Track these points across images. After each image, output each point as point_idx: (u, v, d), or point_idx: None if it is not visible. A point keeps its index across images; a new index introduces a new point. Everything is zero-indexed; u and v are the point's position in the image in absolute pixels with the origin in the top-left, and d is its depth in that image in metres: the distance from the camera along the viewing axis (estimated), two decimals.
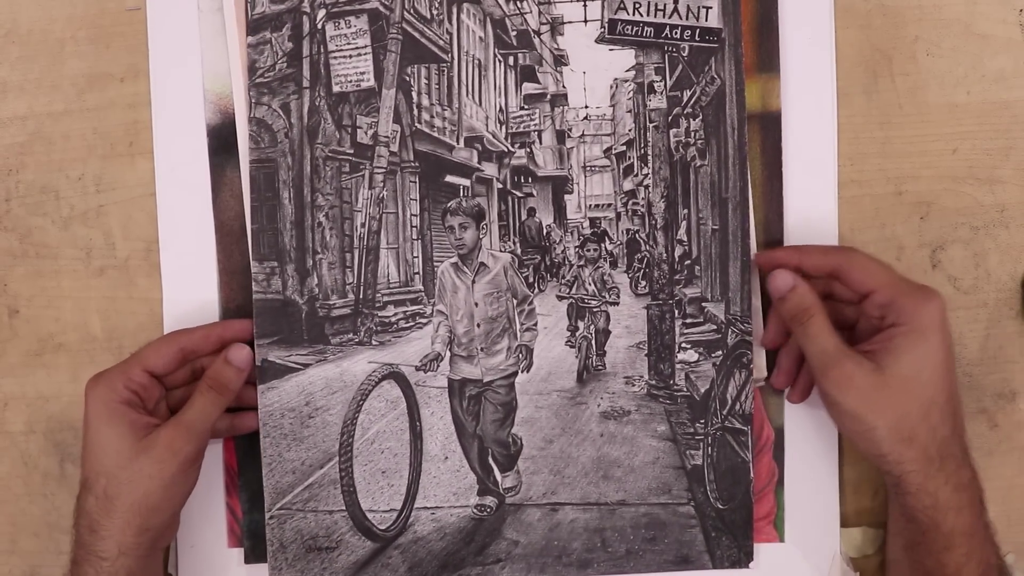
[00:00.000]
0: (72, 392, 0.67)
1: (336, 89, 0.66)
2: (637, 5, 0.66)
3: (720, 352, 0.66)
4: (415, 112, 0.68)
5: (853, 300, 0.61)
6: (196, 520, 0.65)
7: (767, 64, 0.66)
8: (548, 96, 0.70)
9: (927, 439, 0.56)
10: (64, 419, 0.68)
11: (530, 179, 0.72)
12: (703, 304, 0.67)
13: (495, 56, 0.71)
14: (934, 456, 0.56)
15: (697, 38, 0.66)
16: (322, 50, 0.66)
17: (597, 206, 0.71)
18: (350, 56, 0.66)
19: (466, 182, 0.70)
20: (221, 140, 0.66)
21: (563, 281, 0.71)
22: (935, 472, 0.56)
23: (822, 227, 0.66)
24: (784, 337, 0.64)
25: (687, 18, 0.66)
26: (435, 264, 0.69)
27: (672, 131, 0.67)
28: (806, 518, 0.67)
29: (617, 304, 0.70)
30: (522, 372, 0.68)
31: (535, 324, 0.69)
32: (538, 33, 0.68)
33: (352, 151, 0.67)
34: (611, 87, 0.67)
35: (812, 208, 0.66)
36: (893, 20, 0.67)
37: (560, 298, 0.71)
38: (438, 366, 0.67)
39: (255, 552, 0.66)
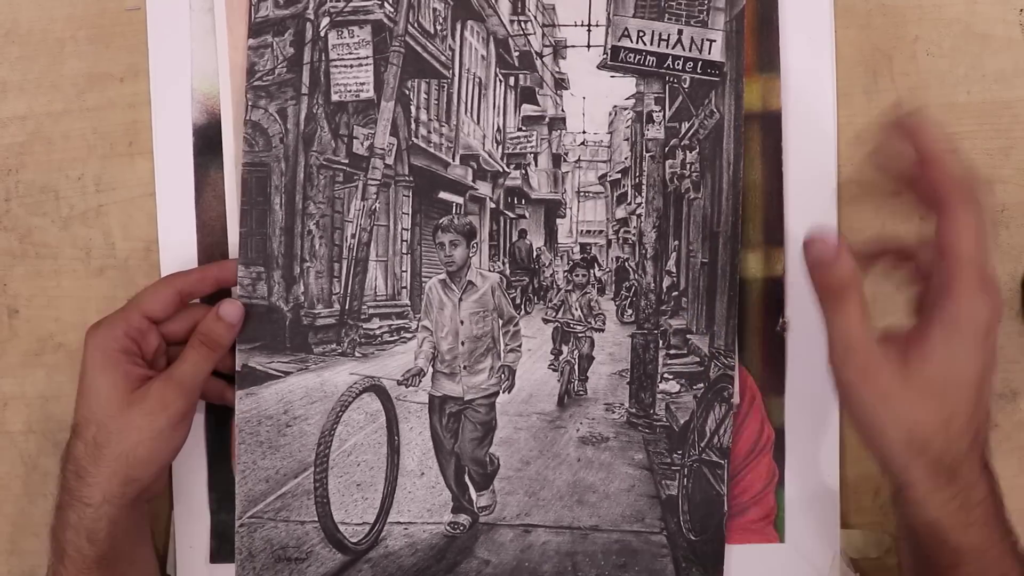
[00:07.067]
0: (72, 392, 0.67)
1: (335, 98, 0.66)
2: (641, 34, 0.66)
3: (702, 384, 0.66)
4: (412, 126, 0.67)
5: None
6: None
7: (767, 64, 0.65)
8: (546, 119, 0.69)
9: (940, 451, 0.50)
10: (64, 419, 0.67)
11: (523, 201, 0.72)
12: (688, 336, 0.67)
13: (496, 75, 0.71)
14: (943, 470, 0.50)
15: (699, 71, 0.66)
16: (323, 58, 0.66)
17: (588, 232, 0.71)
18: (351, 66, 0.66)
19: (459, 200, 0.69)
20: (207, 140, 0.66)
21: (550, 304, 0.71)
22: (942, 487, 0.50)
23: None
24: None
25: (690, 50, 0.66)
26: (423, 279, 0.69)
27: (668, 162, 0.67)
28: (806, 518, 0.67)
29: (602, 331, 0.70)
30: (503, 392, 0.68)
31: (519, 346, 0.69)
32: (540, 55, 0.68)
33: (347, 161, 0.67)
34: (610, 114, 0.67)
35: (812, 208, 0.66)
36: (893, 20, 0.67)
37: (546, 321, 0.71)
38: (420, 381, 0.67)
39: (221, 552, 0.66)
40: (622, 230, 0.69)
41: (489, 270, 0.69)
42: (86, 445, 0.57)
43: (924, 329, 0.51)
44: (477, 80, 0.71)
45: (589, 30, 0.66)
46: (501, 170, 0.70)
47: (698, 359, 0.67)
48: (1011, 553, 0.51)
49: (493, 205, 0.71)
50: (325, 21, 0.65)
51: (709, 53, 0.66)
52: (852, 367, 0.51)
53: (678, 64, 0.66)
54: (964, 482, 0.50)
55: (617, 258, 0.70)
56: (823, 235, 0.52)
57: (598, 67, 0.66)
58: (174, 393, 0.58)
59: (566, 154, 0.70)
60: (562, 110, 0.68)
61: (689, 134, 0.67)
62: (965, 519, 0.50)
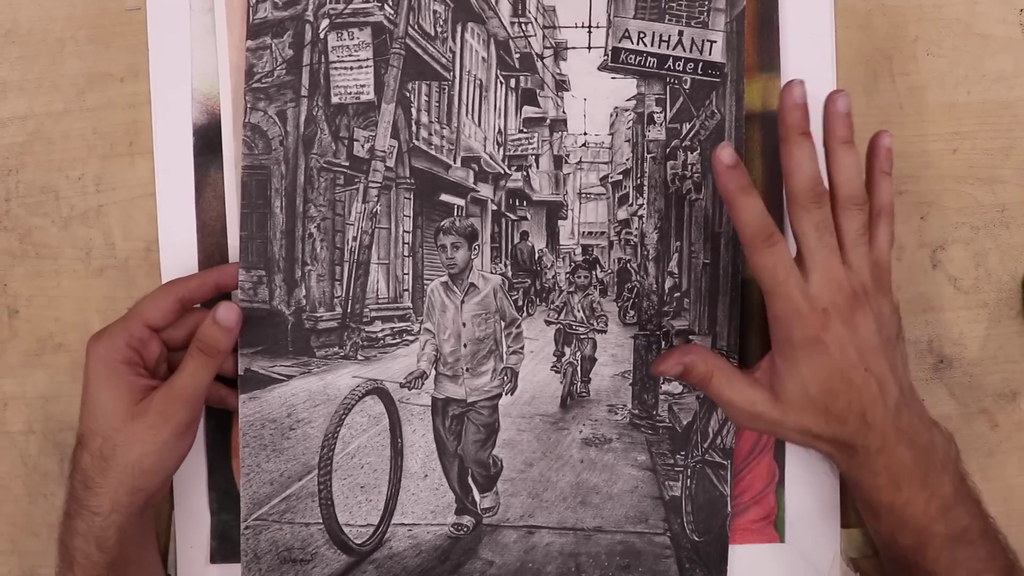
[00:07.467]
0: (72, 392, 0.67)
1: (335, 100, 0.66)
2: (641, 35, 0.66)
3: None
4: (413, 128, 0.67)
5: None
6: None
7: (767, 64, 0.66)
8: (548, 121, 0.69)
9: (830, 435, 0.57)
10: (64, 419, 0.68)
11: (525, 203, 0.71)
12: (690, 337, 0.67)
13: (497, 77, 0.71)
14: (841, 447, 0.58)
15: (700, 72, 0.66)
16: (323, 60, 0.65)
17: (590, 233, 0.71)
18: (351, 68, 0.66)
19: (461, 202, 0.69)
20: (207, 141, 0.66)
21: (552, 306, 0.71)
22: (846, 459, 0.58)
23: None
24: None
25: (691, 51, 0.66)
26: (425, 282, 0.68)
27: (669, 163, 0.67)
28: (806, 518, 0.67)
29: (605, 332, 0.70)
30: (506, 394, 0.68)
31: (522, 348, 0.69)
32: (541, 57, 0.68)
33: (348, 164, 0.66)
34: (611, 115, 0.67)
35: None
36: (893, 20, 0.67)
37: (548, 323, 0.71)
38: (423, 384, 0.67)
39: (221, 552, 0.66)
40: (624, 231, 0.70)
41: (491, 272, 0.69)
42: (92, 456, 0.57)
43: (772, 356, 0.59)
44: (478, 82, 0.71)
45: (590, 31, 0.66)
46: (502, 172, 0.70)
47: None
48: (940, 517, 0.56)
49: (495, 207, 0.71)
50: (325, 23, 0.65)
51: (710, 54, 0.66)
52: (745, 420, 0.60)
53: (679, 65, 0.66)
54: (864, 453, 0.57)
55: (619, 259, 0.70)
56: (667, 359, 0.60)
57: (599, 68, 0.66)
58: (176, 404, 0.58)
59: (567, 156, 0.70)
60: (563, 112, 0.68)
61: (690, 135, 0.67)
62: (873, 482, 0.57)
